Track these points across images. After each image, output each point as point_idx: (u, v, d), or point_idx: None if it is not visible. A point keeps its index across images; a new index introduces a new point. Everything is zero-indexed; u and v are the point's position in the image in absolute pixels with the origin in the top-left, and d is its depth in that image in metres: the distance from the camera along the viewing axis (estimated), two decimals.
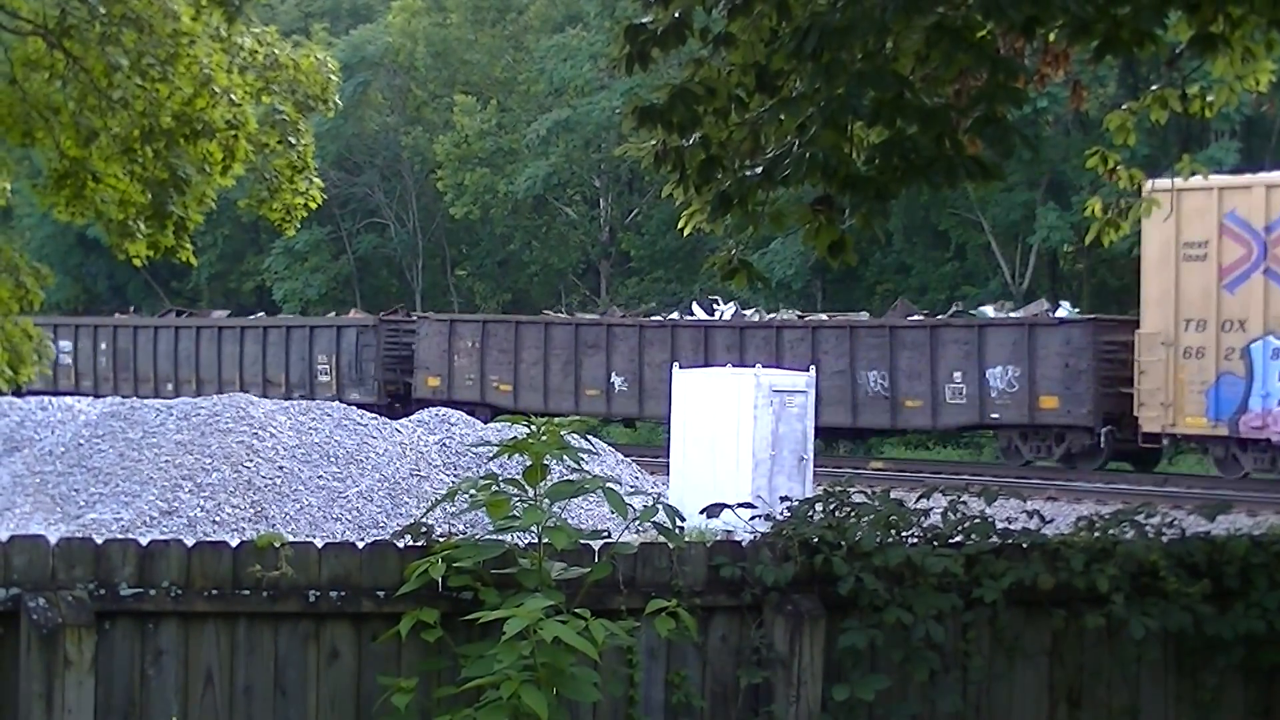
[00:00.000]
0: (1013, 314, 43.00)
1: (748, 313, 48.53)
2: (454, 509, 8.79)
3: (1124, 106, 10.99)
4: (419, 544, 7.83)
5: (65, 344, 56.15)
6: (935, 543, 8.60)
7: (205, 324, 56.29)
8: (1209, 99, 10.70)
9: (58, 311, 67.35)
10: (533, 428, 7.90)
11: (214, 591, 7.43)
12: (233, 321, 57.15)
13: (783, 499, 9.05)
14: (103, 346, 57.09)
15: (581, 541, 7.82)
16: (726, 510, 8.82)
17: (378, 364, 51.16)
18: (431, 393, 48.04)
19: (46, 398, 32.50)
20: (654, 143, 8.94)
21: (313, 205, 20.99)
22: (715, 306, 49.41)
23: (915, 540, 8.60)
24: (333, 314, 60.72)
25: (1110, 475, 38.97)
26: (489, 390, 47.72)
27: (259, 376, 52.75)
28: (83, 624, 7.12)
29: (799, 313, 48.60)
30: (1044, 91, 13.59)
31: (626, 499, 7.76)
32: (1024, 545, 8.74)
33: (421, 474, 26.01)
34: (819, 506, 8.61)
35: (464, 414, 30.33)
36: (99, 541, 7.39)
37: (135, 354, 56.31)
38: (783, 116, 8.43)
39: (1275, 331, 34.65)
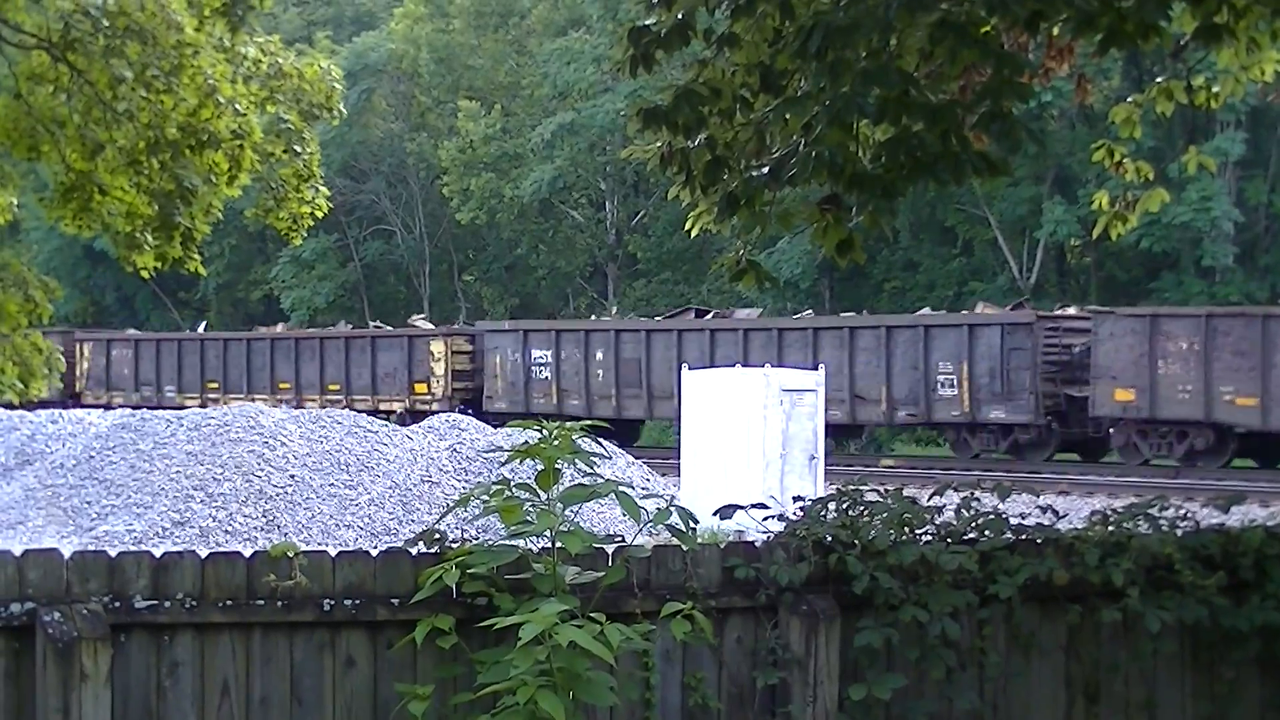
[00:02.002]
0: None
1: None
2: (467, 515, 8.78)
3: (1129, 99, 10.98)
4: (432, 551, 7.82)
5: (541, 354, 48.73)
6: (949, 540, 8.58)
7: (754, 326, 44.78)
8: (1214, 90, 10.68)
9: (65, 323, 67.37)
10: (543, 432, 7.90)
11: (229, 602, 7.42)
12: (798, 322, 45.37)
13: (795, 499, 9.03)
14: (598, 356, 47.69)
15: (595, 545, 7.80)
16: (739, 511, 8.80)
17: (1033, 373, 39.97)
18: (1122, 409, 38.62)
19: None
20: (659, 144, 8.94)
21: (319, 214, 21.02)
22: None
23: (929, 538, 8.58)
24: (938, 311, 50.02)
25: (1123, 468, 38.94)
26: (1218, 405, 37.11)
27: (844, 390, 42.14)
28: (98, 637, 7.12)
29: None
30: (1049, 86, 13.58)
31: (639, 502, 7.75)
32: (1038, 541, 8.72)
33: (433, 480, 26.03)
34: (832, 506, 8.60)
35: (474, 419, 30.26)
36: (113, 554, 7.39)
37: (647, 364, 46.33)
38: (788, 116, 8.42)
39: None
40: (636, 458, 31.19)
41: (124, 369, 58.10)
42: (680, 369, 40.95)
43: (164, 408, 45.49)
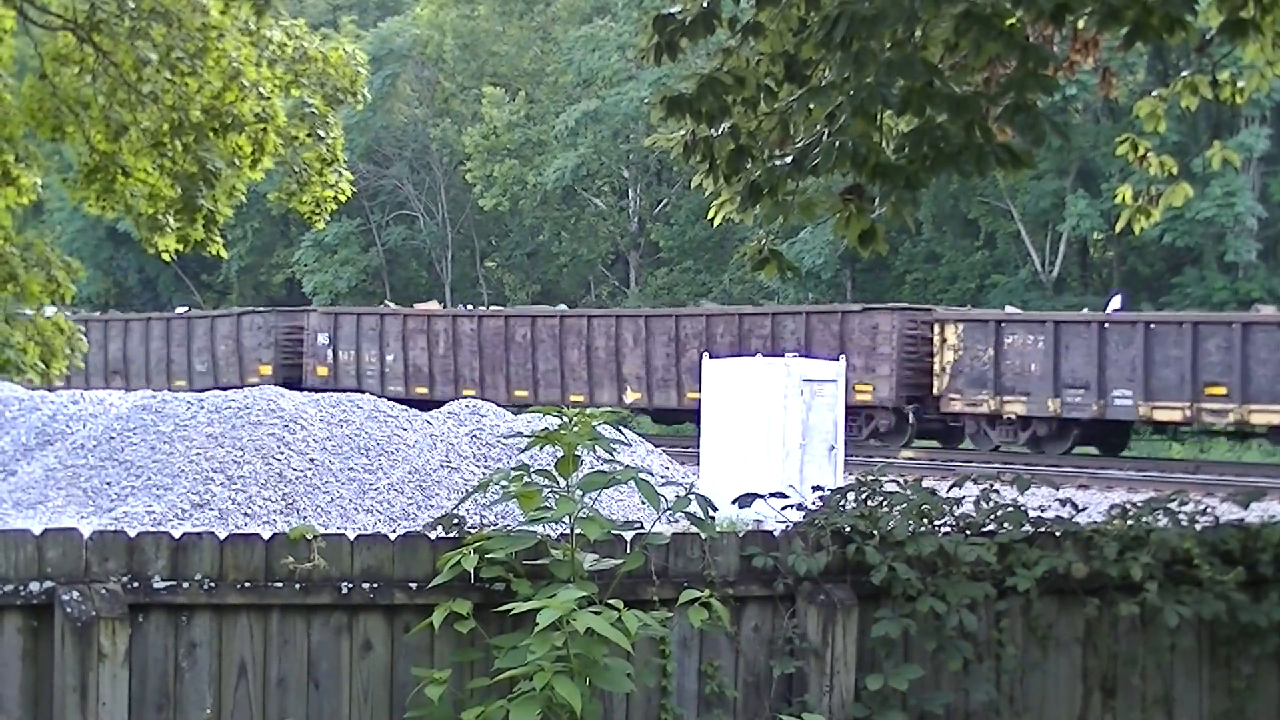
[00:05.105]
0: None
1: None
2: (486, 500, 8.79)
3: (1154, 93, 10.97)
4: (451, 535, 7.83)
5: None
6: (968, 531, 8.58)
7: None
8: (1239, 85, 10.67)
9: (87, 306, 67.44)
10: (564, 419, 7.90)
11: (247, 584, 7.44)
12: None
13: (814, 488, 9.03)
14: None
15: (614, 532, 7.81)
16: (758, 500, 8.80)
17: None
18: None
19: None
20: (683, 133, 8.94)
21: (342, 198, 21.07)
22: None
23: (948, 529, 8.59)
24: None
25: (1142, 463, 38.88)
26: None
27: None
28: (116, 616, 7.13)
29: None
30: (1073, 79, 13.55)
31: (658, 489, 7.75)
32: (1057, 533, 8.71)
33: (452, 465, 26.02)
34: (851, 496, 8.60)
35: (493, 405, 30.22)
36: (132, 534, 7.41)
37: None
38: (812, 105, 8.42)
39: None
40: (656, 445, 31.17)
41: (1027, 362, 40.42)
42: None
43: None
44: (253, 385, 47.04)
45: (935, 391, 41.68)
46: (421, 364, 50.48)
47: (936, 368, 41.57)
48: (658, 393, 45.52)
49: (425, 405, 32.68)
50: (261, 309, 58.49)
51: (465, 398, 45.56)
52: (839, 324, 42.80)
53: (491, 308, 55.59)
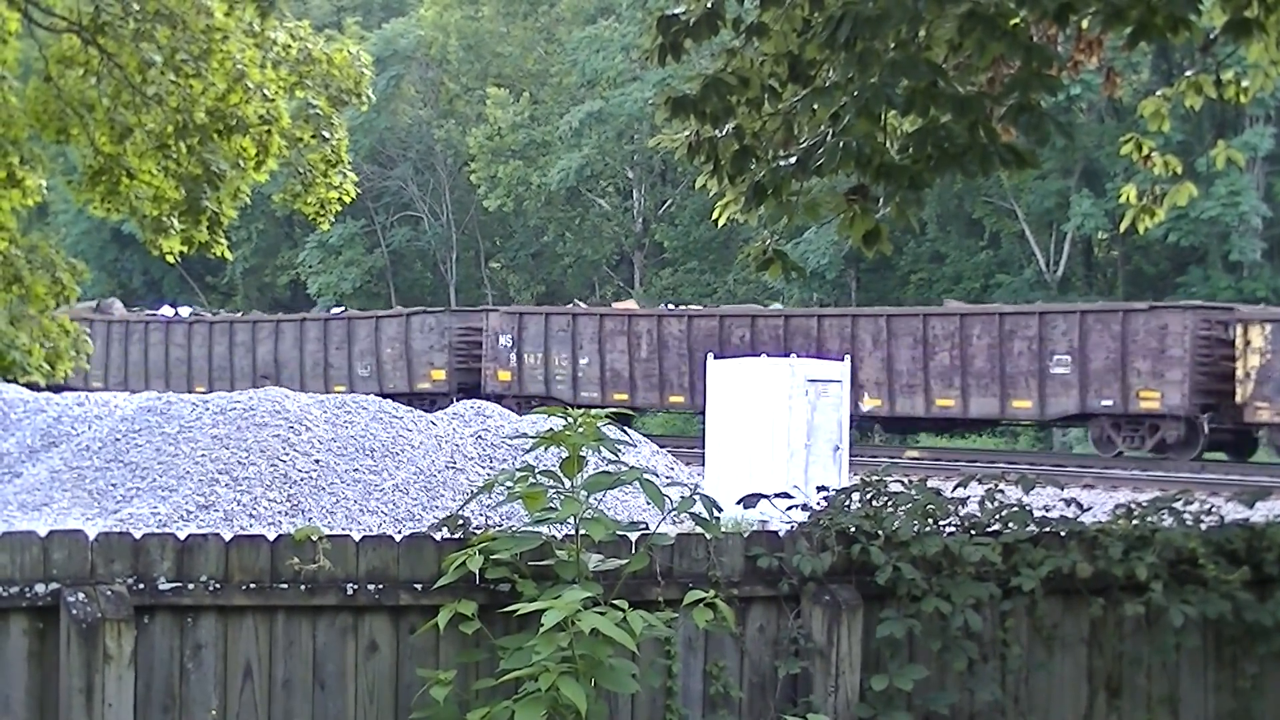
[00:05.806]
0: None
1: None
2: (491, 501, 8.79)
3: (1158, 93, 10.96)
4: (456, 536, 7.83)
5: None
6: (973, 531, 8.58)
7: None
8: (1244, 84, 10.67)
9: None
10: (568, 419, 7.90)
11: (252, 585, 7.44)
12: None
13: (819, 489, 9.03)
14: None
15: (619, 533, 7.80)
16: (763, 500, 8.80)
17: None
18: None
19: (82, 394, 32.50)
20: (687, 133, 8.94)
21: (346, 199, 21.12)
22: None
23: (953, 529, 8.58)
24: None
25: (1146, 463, 38.86)
26: None
27: None
28: (122, 618, 7.14)
29: None
30: (1077, 79, 13.56)
31: (663, 490, 7.75)
32: (1062, 533, 8.71)
33: (457, 466, 26.02)
34: (856, 496, 8.60)
35: (499, 406, 30.25)
36: (137, 536, 7.41)
37: None
38: (816, 106, 8.42)
39: None
40: (660, 446, 31.16)
41: None
42: None
43: None
44: (423, 391, 45.50)
45: (1238, 399, 37.56)
46: (621, 368, 46.44)
47: (1239, 373, 37.33)
48: (900, 398, 41.60)
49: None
50: (435, 309, 54.06)
51: (672, 407, 43.04)
52: (1120, 324, 38.87)
53: (692, 306, 51.30)
